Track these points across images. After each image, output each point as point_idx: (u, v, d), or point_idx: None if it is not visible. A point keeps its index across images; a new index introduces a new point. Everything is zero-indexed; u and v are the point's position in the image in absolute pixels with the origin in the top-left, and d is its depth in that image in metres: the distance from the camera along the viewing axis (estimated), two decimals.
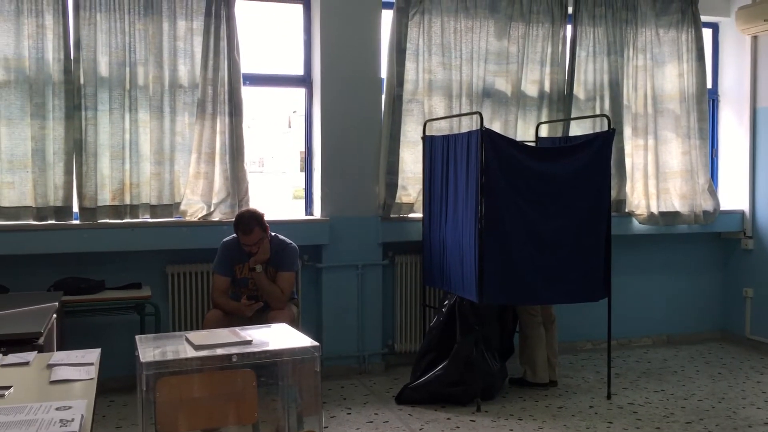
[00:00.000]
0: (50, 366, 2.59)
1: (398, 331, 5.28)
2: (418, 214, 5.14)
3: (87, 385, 2.48)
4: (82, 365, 2.65)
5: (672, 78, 5.72)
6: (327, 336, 5.03)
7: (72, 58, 4.48)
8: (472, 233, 4.33)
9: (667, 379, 5.02)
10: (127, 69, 4.57)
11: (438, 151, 4.78)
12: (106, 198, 4.58)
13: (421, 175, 5.05)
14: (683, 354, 5.70)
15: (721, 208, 5.87)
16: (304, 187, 5.29)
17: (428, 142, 4.94)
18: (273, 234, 4.39)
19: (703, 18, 5.81)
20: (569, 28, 5.49)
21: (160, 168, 4.67)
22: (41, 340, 3.04)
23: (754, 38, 5.82)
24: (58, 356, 2.76)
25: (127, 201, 4.62)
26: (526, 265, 4.35)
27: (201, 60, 4.68)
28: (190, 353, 2.72)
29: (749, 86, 5.84)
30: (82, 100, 4.49)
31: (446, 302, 4.64)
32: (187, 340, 2.85)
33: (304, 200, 5.29)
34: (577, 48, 5.47)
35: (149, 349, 2.79)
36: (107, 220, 4.58)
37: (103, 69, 4.55)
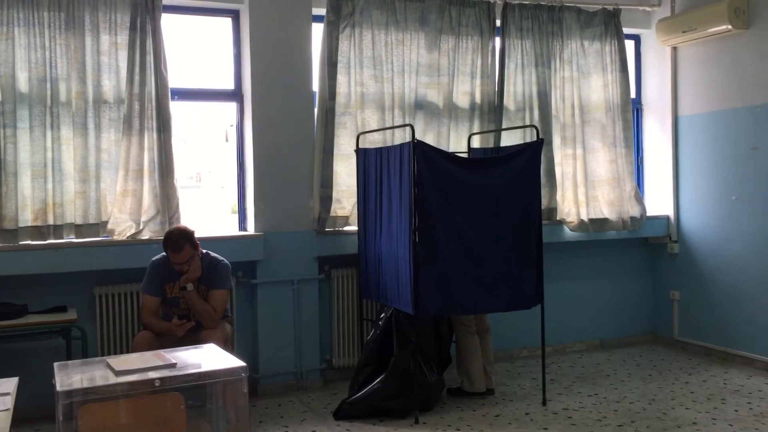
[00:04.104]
0: None
1: (336, 346, 5.24)
2: (354, 227, 5.13)
3: (2, 416, 2.39)
4: None
5: (597, 88, 5.89)
6: (263, 353, 4.96)
7: None
8: (406, 245, 4.34)
9: (600, 382, 5.13)
10: (48, 85, 4.42)
11: (371, 163, 4.79)
12: (27, 219, 4.41)
13: (355, 188, 5.05)
14: (615, 357, 5.84)
15: (648, 214, 6.06)
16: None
17: (362, 154, 4.94)
18: (204, 251, 4.31)
19: (626, 30, 6.00)
20: (498, 40, 5.59)
21: (85, 186, 4.53)
22: None
23: (674, 49, 6.04)
24: None
25: (51, 221, 4.45)
26: (460, 276, 4.38)
27: (126, 75, 4.57)
28: (111, 379, 2.63)
29: (670, 95, 6.06)
30: (1, 117, 4.32)
31: (383, 315, 4.64)
32: (108, 365, 2.76)
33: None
34: (506, 60, 5.57)
35: (68, 377, 2.69)
36: (29, 242, 4.41)
37: (23, 85, 4.39)
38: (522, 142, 5.29)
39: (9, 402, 2.48)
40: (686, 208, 6.03)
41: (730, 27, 5.35)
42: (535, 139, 4.74)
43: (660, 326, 6.30)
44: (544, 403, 4.64)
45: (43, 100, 4.42)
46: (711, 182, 5.77)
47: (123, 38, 4.58)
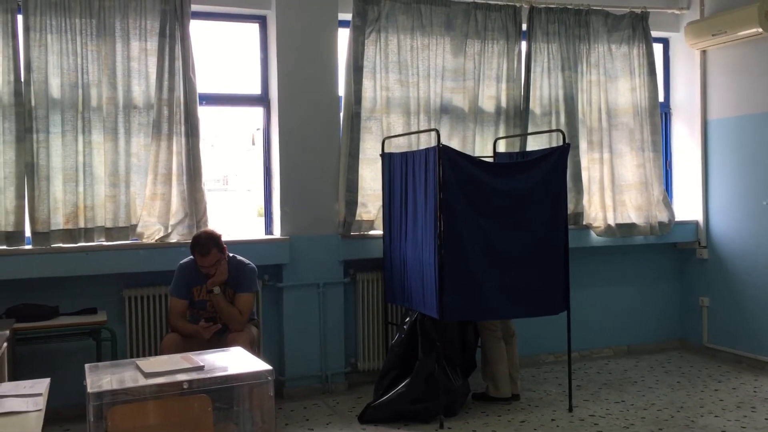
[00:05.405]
0: None
1: (361, 350, 5.26)
2: (379, 231, 5.14)
3: (35, 416, 2.43)
4: (29, 396, 2.60)
5: (625, 92, 5.84)
6: (289, 356, 4.99)
7: (22, 80, 4.40)
8: (431, 250, 4.34)
9: (627, 389, 5.07)
10: (80, 90, 4.50)
11: (397, 168, 4.80)
12: (59, 222, 4.49)
13: (380, 192, 5.06)
14: (643, 364, 5.77)
15: (676, 219, 5.99)
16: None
17: (387, 159, 4.96)
18: (231, 255, 4.36)
19: (654, 33, 5.95)
20: (524, 44, 5.57)
21: (115, 190, 4.60)
22: None
23: (703, 53, 5.97)
24: (6, 387, 2.70)
25: (82, 224, 4.53)
26: (486, 281, 4.37)
27: (156, 80, 4.63)
28: (140, 381, 2.67)
29: (699, 99, 5.98)
30: (34, 122, 4.41)
31: (408, 319, 4.64)
32: (138, 367, 2.80)
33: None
34: (532, 64, 5.55)
35: (98, 378, 2.73)
36: (61, 245, 4.49)
37: (55, 91, 4.48)
38: (548, 146, 5.27)
39: (41, 402, 2.53)
40: (715, 213, 5.94)
41: (760, 30, 5.27)
42: (561, 143, 4.72)
43: (689, 333, 6.22)
44: (570, 409, 4.60)
45: (74, 106, 4.50)
46: (741, 187, 5.69)
47: (153, 44, 4.65)
